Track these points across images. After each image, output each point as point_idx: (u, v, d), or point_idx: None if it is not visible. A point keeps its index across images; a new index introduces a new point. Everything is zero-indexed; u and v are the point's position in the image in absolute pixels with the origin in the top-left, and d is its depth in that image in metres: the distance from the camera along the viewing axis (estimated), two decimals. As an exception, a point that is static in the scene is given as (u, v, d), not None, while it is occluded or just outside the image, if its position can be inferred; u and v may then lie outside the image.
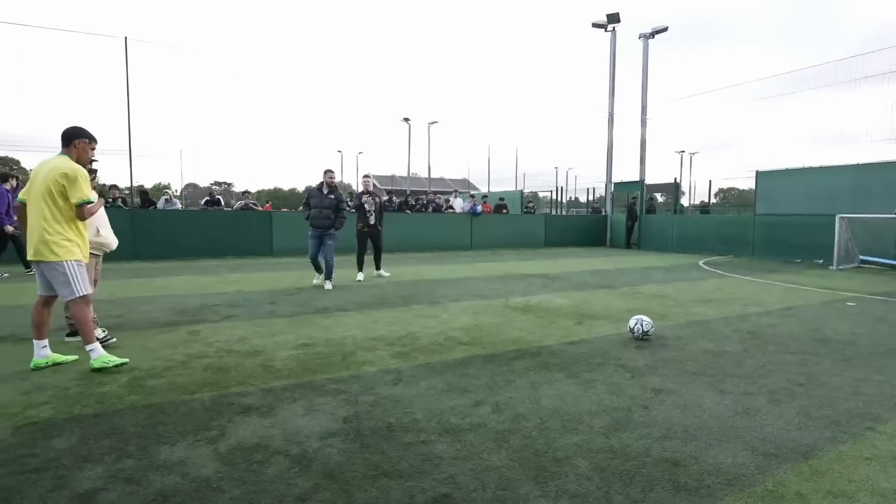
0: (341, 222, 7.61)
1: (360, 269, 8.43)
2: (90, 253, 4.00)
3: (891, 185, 11.03)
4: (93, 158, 3.84)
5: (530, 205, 19.76)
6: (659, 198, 22.34)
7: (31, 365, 3.50)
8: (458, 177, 71.97)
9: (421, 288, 7.59)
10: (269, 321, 5.17)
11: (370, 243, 8.67)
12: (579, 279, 8.82)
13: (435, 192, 22.66)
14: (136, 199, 13.09)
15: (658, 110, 18.99)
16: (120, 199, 12.35)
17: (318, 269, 7.76)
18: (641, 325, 4.43)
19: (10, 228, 8.49)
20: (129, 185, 13.60)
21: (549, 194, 27.29)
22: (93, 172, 4.18)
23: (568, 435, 2.55)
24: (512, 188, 35.71)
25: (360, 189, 8.88)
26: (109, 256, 4.77)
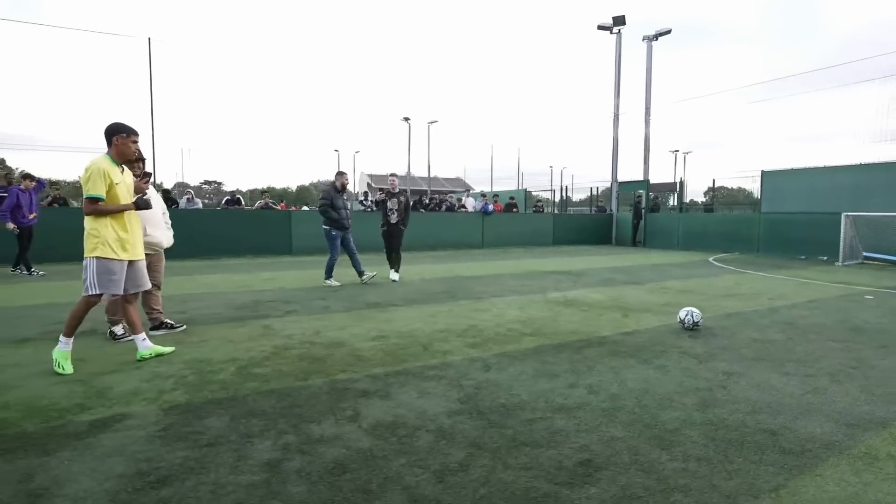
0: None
1: (392, 268, 8.41)
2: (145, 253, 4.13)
3: (891, 184, 11.52)
4: (138, 154, 3.87)
5: (539, 204, 20.11)
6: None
7: (137, 356, 3.70)
8: (452, 175, 72.36)
9: (455, 284, 7.85)
10: (329, 315, 5.40)
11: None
12: (603, 276, 9.15)
13: (441, 192, 22.88)
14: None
15: (653, 111, 19.48)
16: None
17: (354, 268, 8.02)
18: (692, 317, 4.74)
19: (10, 226, 8.35)
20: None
21: (548, 194, 27.77)
22: (139, 166, 4.20)
23: (667, 411, 2.83)
24: (508, 187, 36.16)
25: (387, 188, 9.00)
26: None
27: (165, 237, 4.72)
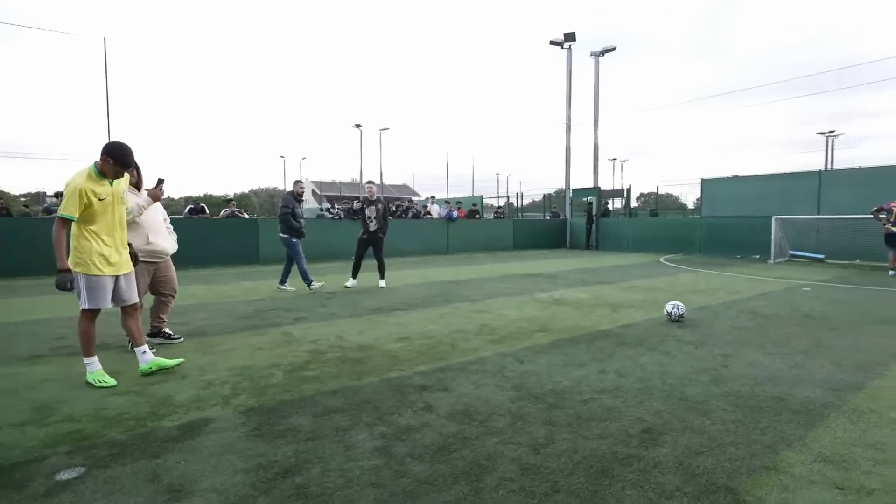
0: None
1: (354, 276, 8.36)
2: (144, 261, 4.16)
3: (811, 190, 13.14)
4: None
5: (500, 210, 20.80)
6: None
7: (139, 370, 3.59)
8: (399, 182, 72.53)
9: (442, 289, 8.15)
10: (340, 321, 5.53)
11: (370, 251, 8.41)
12: (575, 277, 9.80)
13: (390, 199, 23.07)
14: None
15: (582, 119, 20.78)
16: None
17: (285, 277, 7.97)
18: (678, 309, 5.36)
19: None
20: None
21: (496, 200, 28.74)
22: (134, 173, 4.12)
23: (689, 388, 3.31)
24: (460, 193, 36.94)
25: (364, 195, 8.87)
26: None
27: (169, 243, 4.69)
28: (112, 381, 3.41)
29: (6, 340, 4.68)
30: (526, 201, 30.18)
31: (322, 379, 3.52)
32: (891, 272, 9.93)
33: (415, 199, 44.44)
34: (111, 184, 3.43)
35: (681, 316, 5.34)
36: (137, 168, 4.21)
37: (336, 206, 15.74)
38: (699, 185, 16.24)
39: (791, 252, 12.88)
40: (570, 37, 19.21)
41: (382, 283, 8.38)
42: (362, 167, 40.00)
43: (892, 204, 10.01)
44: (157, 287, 4.55)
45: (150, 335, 4.44)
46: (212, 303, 6.76)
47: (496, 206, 23.98)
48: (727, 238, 14.56)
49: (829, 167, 31.66)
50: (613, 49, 19.83)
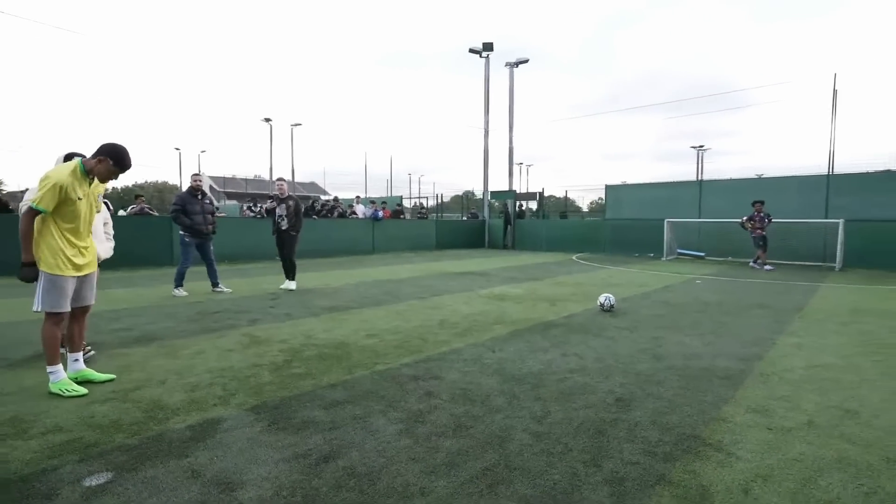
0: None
1: (287, 277, 8.03)
2: None
3: (693, 197, 15.28)
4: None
5: (423, 211, 21.15)
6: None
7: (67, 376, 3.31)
8: (307, 180, 69.93)
9: (385, 288, 8.32)
10: (301, 321, 5.50)
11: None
12: (506, 274, 10.49)
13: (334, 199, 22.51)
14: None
15: (495, 125, 22.11)
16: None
17: (180, 281, 7.48)
18: (609, 301, 6.13)
19: None
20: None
21: (408, 201, 29.22)
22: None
23: (638, 365, 3.93)
24: (374, 193, 36.77)
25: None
26: None
27: (104, 249, 4.42)
28: (83, 390, 3.20)
29: None
30: (427, 201, 31.10)
31: (313, 375, 3.61)
32: (751, 263, 12.08)
33: (323, 197, 43.22)
34: (89, 184, 3.23)
35: (612, 306, 6.12)
36: None
37: (259, 204, 14.99)
38: (596, 190, 18.00)
39: (678, 250, 14.86)
40: (488, 46, 20.17)
41: (290, 284, 7.89)
42: (272, 164, 37.92)
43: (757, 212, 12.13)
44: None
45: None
46: (146, 306, 6.29)
47: (412, 206, 24.31)
48: (627, 238, 16.37)
49: (699, 177, 36.34)
50: (527, 61, 21.16)
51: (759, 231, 11.87)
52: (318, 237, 14.70)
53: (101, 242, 4.34)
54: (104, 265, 4.26)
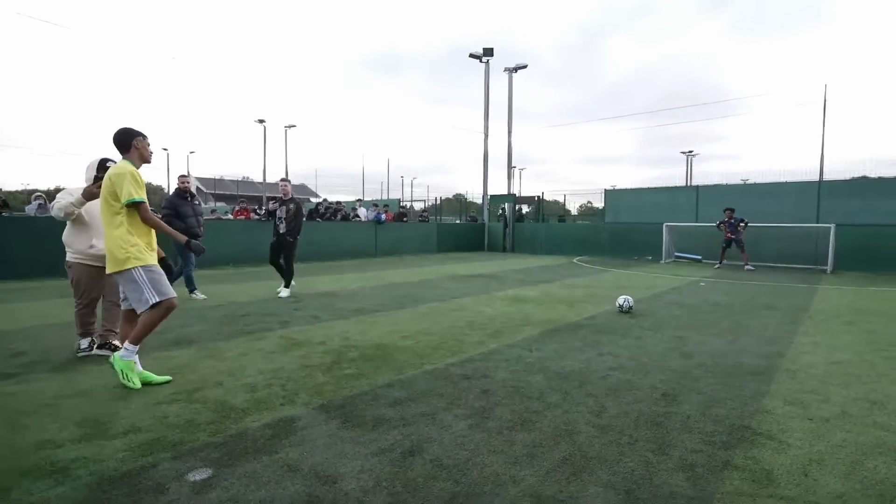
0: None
1: (284, 282, 7.76)
2: (87, 265, 4.19)
3: (690, 202, 15.67)
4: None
5: (424, 213, 21.28)
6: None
7: (113, 362, 3.45)
8: (297, 182, 69.62)
9: (405, 291, 8.44)
10: (332, 323, 5.61)
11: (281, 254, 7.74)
12: (515, 277, 10.68)
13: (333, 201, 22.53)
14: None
15: (493, 130, 22.45)
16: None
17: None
18: (627, 302, 6.34)
19: None
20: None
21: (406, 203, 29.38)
22: None
23: (671, 362, 4.13)
24: (367, 196, 36.85)
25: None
26: None
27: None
28: (137, 384, 3.37)
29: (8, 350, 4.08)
30: (425, 204, 31.35)
31: (366, 375, 3.73)
32: (746, 266, 12.49)
33: (313, 199, 42.94)
34: None
35: (630, 308, 6.33)
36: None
37: (263, 206, 14.97)
38: (586, 194, 18.31)
39: (676, 254, 15.21)
40: (488, 52, 20.44)
41: (284, 292, 7.62)
42: (265, 166, 37.63)
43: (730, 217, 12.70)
44: (104, 293, 4.36)
45: (99, 347, 4.24)
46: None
47: (411, 209, 24.44)
48: (626, 242, 16.69)
49: (688, 182, 37.01)
50: (525, 66, 21.48)
51: (728, 235, 12.71)
52: (322, 239, 14.78)
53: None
54: None
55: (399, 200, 25.76)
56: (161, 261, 3.76)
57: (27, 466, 2.32)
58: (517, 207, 21.22)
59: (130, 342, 3.42)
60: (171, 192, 7.51)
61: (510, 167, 21.54)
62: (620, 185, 17.19)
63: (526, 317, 6.09)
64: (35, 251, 9.49)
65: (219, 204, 44.16)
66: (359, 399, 3.24)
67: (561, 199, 25.21)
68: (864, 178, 15.80)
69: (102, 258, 4.08)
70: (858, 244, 12.40)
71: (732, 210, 12.87)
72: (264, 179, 38.14)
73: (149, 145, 3.63)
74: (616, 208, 17.42)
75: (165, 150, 55.92)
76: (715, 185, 15.71)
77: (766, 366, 4.04)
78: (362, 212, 17.39)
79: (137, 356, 3.46)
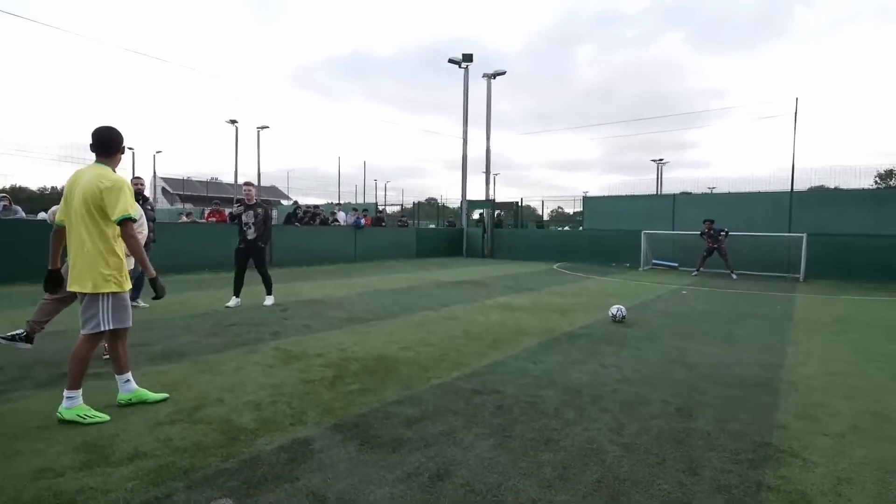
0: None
1: (236, 294, 7.26)
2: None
3: (667, 210, 16.06)
4: None
5: (403, 218, 21.09)
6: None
7: (119, 399, 3.24)
8: (267, 183, 68.08)
9: (393, 298, 8.30)
10: (325, 333, 5.44)
11: (250, 263, 7.32)
12: (501, 284, 10.67)
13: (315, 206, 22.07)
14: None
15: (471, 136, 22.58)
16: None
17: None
18: (621, 312, 6.39)
19: None
20: None
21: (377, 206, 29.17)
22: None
23: (675, 373, 4.16)
24: (342, 199, 36.42)
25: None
26: None
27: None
28: (105, 416, 3.00)
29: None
30: (396, 208, 31.31)
31: (373, 391, 3.60)
32: (732, 275, 12.85)
33: (284, 202, 41.95)
34: None
35: (623, 318, 6.39)
36: None
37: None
38: (559, 200, 18.59)
39: (654, 261, 15.55)
40: (467, 57, 20.49)
41: (269, 300, 7.36)
42: (237, 167, 36.75)
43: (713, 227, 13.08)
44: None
45: (24, 337, 4.19)
46: (151, 318, 6.02)
47: (384, 212, 24.19)
48: (604, 248, 16.98)
49: (659, 189, 38.04)
50: (504, 73, 21.63)
51: (711, 245, 13.17)
52: (301, 244, 14.46)
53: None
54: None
55: (375, 204, 25.51)
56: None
57: (28, 499, 2.11)
58: (497, 213, 21.32)
59: (70, 388, 2.99)
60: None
61: (489, 172, 21.62)
62: (591, 192, 17.63)
63: (520, 326, 6.06)
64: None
65: (186, 205, 42.67)
66: (371, 417, 3.11)
67: (533, 205, 25.47)
68: (822, 187, 16.63)
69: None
70: (828, 253, 12.95)
71: (712, 221, 13.25)
72: (236, 181, 37.11)
73: (119, 158, 3.27)
74: (594, 215, 17.70)
75: (131, 149, 53.69)
76: (690, 194, 16.19)
77: (767, 377, 4.11)
78: (341, 216, 17.12)
79: (81, 392, 3.03)
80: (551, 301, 8.24)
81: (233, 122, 35.36)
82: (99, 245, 3.00)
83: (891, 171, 37.46)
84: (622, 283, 11.22)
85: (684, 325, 6.37)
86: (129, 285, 3.14)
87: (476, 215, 21.76)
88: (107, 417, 3.01)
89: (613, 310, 6.47)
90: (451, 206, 27.38)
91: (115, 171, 3.17)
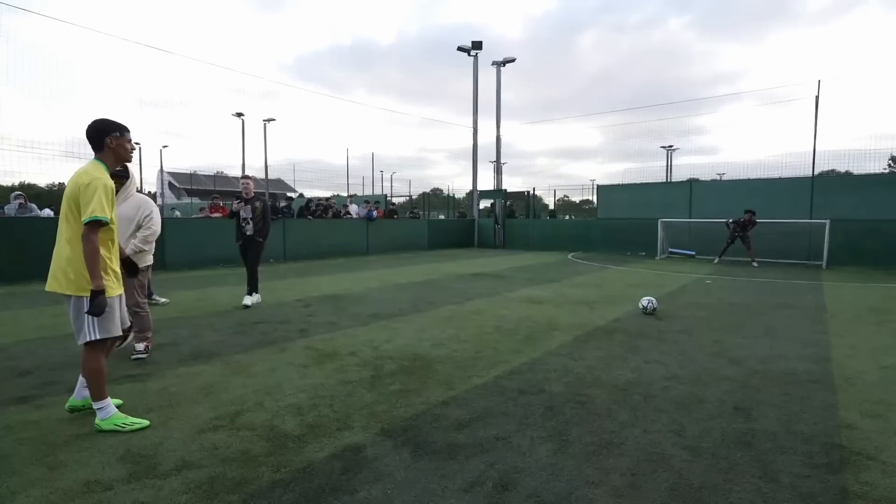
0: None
1: (249, 291, 7.02)
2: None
3: (684, 198, 15.80)
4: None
5: (415, 210, 20.94)
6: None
7: (67, 406, 3.10)
8: (273, 176, 67.89)
9: (414, 292, 8.19)
10: (353, 330, 5.33)
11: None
12: (520, 276, 10.53)
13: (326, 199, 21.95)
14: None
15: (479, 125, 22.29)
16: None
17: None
18: (651, 304, 6.24)
19: None
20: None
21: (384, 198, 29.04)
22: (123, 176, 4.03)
23: (723, 370, 4.02)
24: (348, 191, 36.26)
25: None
26: None
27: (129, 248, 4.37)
28: (144, 421, 2.91)
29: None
30: (402, 199, 31.13)
31: (415, 392, 3.50)
32: (753, 263, 12.61)
33: (290, 194, 41.71)
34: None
35: (654, 309, 6.24)
36: None
37: (283, 201, 14.45)
38: (565, 189, 18.30)
39: (670, 249, 15.34)
40: (477, 45, 20.15)
41: (248, 300, 6.88)
42: (244, 161, 36.51)
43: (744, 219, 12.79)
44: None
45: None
46: (176, 317, 5.95)
47: (413, 207, 24.05)
48: (618, 237, 16.77)
49: (668, 177, 37.56)
50: (513, 60, 21.27)
51: (736, 233, 12.86)
52: (314, 238, 14.38)
53: (126, 243, 4.38)
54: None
55: (386, 196, 25.35)
56: (125, 261, 3.40)
57: (79, 521, 2.02)
58: (509, 203, 21.11)
59: (94, 401, 2.89)
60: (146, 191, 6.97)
61: (499, 162, 21.37)
62: (597, 180, 17.31)
63: (550, 320, 5.93)
64: (12, 255, 8.92)
65: (193, 199, 42.63)
66: (420, 421, 3.00)
67: (540, 193, 25.19)
68: (834, 171, 16.30)
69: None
70: (850, 239, 12.68)
71: (753, 213, 12.70)
72: (243, 174, 36.91)
73: (129, 142, 3.00)
74: (609, 204, 17.46)
75: (137, 144, 53.70)
76: (709, 181, 15.89)
77: (819, 372, 3.97)
78: (353, 209, 16.99)
79: (110, 400, 2.94)
80: (574, 293, 8.09)
81: (239, 115, 35.17)
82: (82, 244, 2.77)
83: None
84: (642, 273, 11.04)
85: (718, 317, 6.21)
86: (119, 290, 2.94)
87: (482, 206, 21.55)
88: (146, 423, 2.92)
89: (644, 301, 6.33)
90: (458, 196, 27.22)
91: (110, 163, 2.95)
